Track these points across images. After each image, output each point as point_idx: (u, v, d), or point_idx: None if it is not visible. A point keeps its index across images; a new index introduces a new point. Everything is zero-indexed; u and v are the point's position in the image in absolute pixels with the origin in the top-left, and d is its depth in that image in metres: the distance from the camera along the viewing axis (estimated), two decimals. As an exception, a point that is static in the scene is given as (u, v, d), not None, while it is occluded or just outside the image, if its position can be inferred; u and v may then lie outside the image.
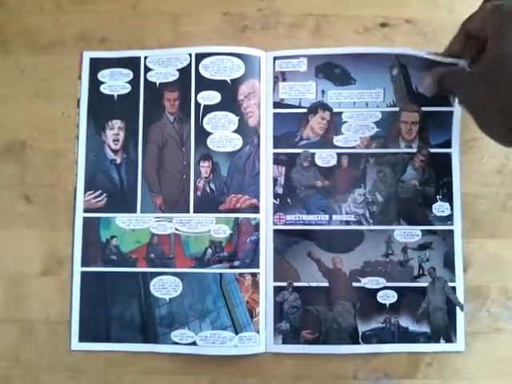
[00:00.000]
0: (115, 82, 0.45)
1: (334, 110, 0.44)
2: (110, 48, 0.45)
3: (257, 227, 0.43)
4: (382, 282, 0.42)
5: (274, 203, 0.43)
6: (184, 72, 0.44)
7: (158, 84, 0.44)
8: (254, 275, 0.42)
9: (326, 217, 0.43)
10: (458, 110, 0.42)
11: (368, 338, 0.42)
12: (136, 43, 0.45)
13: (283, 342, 0.42)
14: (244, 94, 0.44)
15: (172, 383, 0.42)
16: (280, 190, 0.43)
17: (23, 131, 0.44)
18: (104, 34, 0.45)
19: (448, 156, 0.42)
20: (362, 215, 0.43)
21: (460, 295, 0.42)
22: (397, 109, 0.43)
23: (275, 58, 0.44)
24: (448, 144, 0.43)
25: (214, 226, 0.43)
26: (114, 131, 0.44)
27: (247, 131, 0.44)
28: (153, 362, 0.42)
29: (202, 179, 0.43)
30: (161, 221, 0.43)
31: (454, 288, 0.42)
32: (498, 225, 0.43)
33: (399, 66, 0.43)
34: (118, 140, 0.44)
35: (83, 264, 0.43)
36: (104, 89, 0.45)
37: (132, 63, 0.45)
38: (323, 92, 0.44)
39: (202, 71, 0.44)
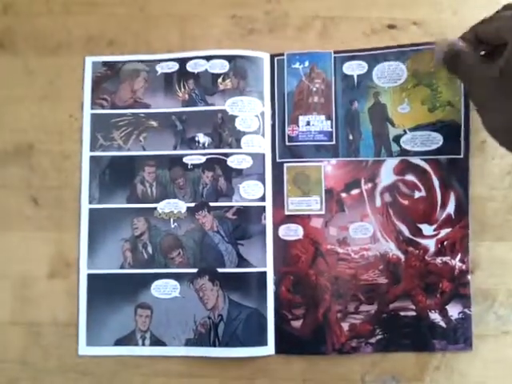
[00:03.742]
0: None
1: None
2: (117, 50, 0.45)
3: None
4: None
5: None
6: None
7: None
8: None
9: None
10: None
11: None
12: (144, 45, 0.45)
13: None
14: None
15: (180, 386, 0.42)
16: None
17: (30, 133, 0.44)
18: (112, 37, 0.45)
19: None
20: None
21: None
22: None
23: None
24: None
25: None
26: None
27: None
28: (161, 365, 0.42)
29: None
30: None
31: None
32: (507, 227, 0.43)
33: None
34: (124, 143, 0.44)
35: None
36: None
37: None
38: None
39: None
